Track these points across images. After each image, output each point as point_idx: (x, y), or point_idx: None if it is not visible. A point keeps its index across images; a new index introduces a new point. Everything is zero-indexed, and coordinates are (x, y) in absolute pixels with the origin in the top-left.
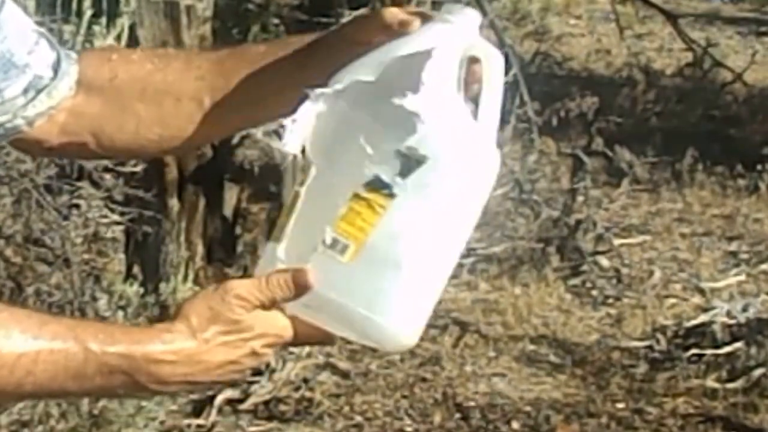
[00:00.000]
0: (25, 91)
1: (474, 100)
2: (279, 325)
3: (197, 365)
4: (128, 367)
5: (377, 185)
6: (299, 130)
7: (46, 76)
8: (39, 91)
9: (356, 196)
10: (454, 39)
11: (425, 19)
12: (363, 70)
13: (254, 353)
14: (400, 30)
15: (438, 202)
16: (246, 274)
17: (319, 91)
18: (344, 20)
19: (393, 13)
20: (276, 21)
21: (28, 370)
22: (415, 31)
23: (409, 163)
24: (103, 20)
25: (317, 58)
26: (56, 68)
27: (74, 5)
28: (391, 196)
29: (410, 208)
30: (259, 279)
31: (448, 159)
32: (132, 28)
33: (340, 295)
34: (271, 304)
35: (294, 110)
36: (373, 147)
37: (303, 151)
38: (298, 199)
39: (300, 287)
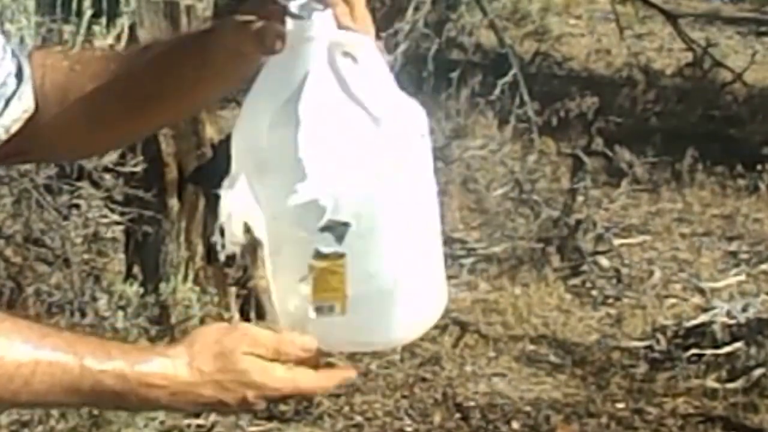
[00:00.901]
0: None
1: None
2: (278, 377)
3: (186, 395)
4: (121, 388)
5: (323, 255)
6: (232, 225)
7: (11, 85)
8: (9, 99)
9: (312, 268)
10: (320, 52)
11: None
12: (252, 144)
13: (245, 400)
14: (269, 51)
15: (389, 230)
16: (245, 274)
17: (226, 183)
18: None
19: (264, 33)
20: None
21: (26, 380)
22: (278, 52)
23: (338, 230)
24: (103, 20)
25: (209, 62)
26: (19, 75)
27: (74, 5)
28: (341, 256)
29: (366, 250)
30: (276, 334)
31: (371, 206)
32: (132, 28)
33: (349, 338)
34: (276, 358)
35: (196, 109)
36: (299, 227)
37: (247, 230)
38: (268, 279)
39: (308, 351)
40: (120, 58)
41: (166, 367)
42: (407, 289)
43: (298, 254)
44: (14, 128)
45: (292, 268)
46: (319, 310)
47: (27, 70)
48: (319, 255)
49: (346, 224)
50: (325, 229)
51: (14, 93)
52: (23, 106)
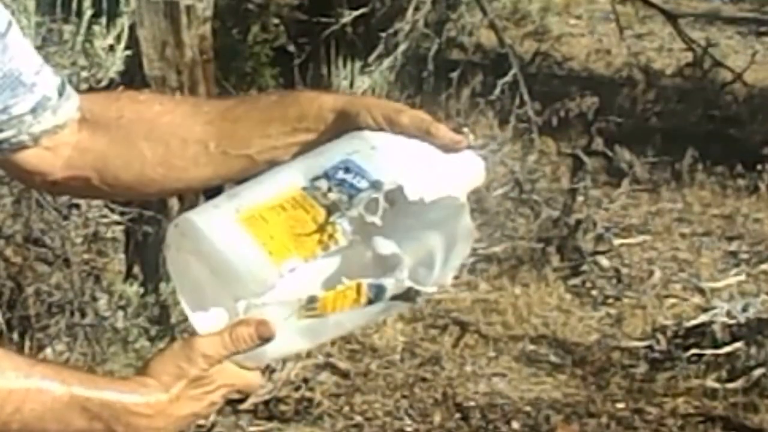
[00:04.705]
0: (33, 111)
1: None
2: (234, 374)
3: (167, 418)
4: (108, 416)
5: (377, 292)
6: None
7: (53, 98)
8: (45, 110)
9: (358, 286)
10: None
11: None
12: (428, 192)
13: (213, 403)
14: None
15: (377, 318)
16: None
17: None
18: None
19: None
20: (276, 21)
21: (16, 408)
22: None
23: (405, 296)
24: (103, 20)
25: (331, 121)
26: (61, 91)
27: (74, 5)
28: (371, 303)
29: (366, 315)
30: (221, 335)
31: (418, 303)
32: (132, 28)
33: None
34: (233, 356)
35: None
36: (399, 268)
37: None
38: None
39: (264, 339)
40: (211, 103)
41: (147, 394)
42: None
43: (358, 266)
44: (43, 139)
45: (340, 271)
46: (309, 302)
47: (71, 90)
48: (371, 288)
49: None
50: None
51: (51, 106)
52: (57, 120)
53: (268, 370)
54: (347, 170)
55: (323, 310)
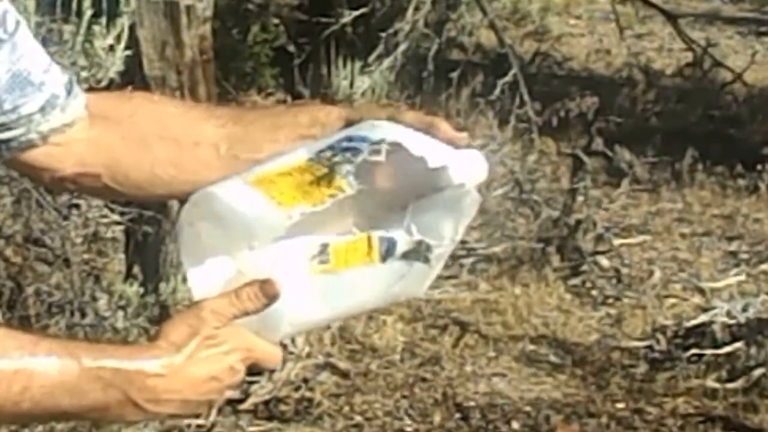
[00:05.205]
0: (42, 109)
1: None
2: (250, 340)
3: (185, 380)
4: (121, 381)
5: (388, 245)
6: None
7: (62, 96)
8: (54, 108)
9: (368, 238)
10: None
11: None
12: (432, 155)
13: (232, 368)
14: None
15: (396, 291)
16: None
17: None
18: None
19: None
20: (276, 21)
21: (24, 386)
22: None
23: (417, 253)
24: (103, 20)
25: (338, 129)
26: (69, 89)
27: (74, 5)
28: (384, 260)
29: (381, 277)
30: (229, 294)
31: (432, 273)
32: (132, 28)
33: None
34: (243, 316)
35: None
36: (409, 220)
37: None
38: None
39: (270, 297)
40: (223, 108)
41: (159, 355)
42: (317, 319)
43: (377, 218)
44: (52, 138)
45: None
46: (320, 252)
47: (78, 88)
48: (383, 240)
49: (427, 258)
50: (420, 243)
51: (59, 104)
52: (65, 119)
53: (284, 349)
54: (350, 140)
55: (336, 264)
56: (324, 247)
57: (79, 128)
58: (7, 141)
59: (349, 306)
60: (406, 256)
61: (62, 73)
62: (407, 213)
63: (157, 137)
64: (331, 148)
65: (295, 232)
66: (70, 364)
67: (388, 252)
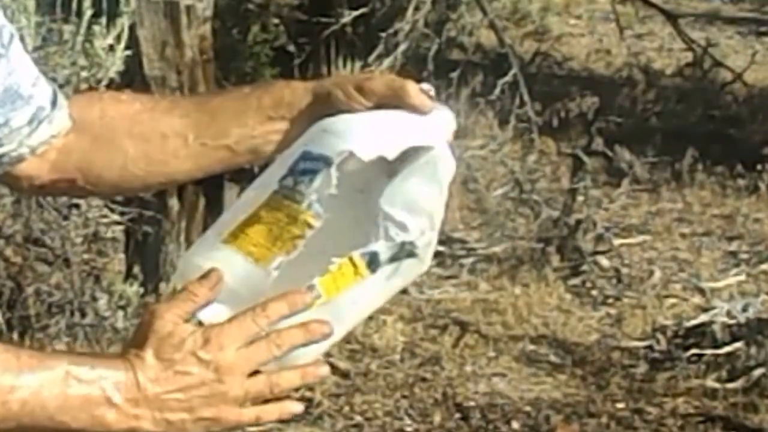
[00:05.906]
0: (30, 122)
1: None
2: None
3: (173, 382)
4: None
5: (371, 259)
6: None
7: (47, 108)
8: (41, 121)
9: (350, 259)
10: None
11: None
12: (387, 149)
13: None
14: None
15: (395, 286)
16: None
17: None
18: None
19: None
20: (276, 21)
21: (24, 401)
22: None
23: (402, 252)
24: (103, 20)
25: (306, 106)
26: (53, 100)
27: (74, 5)
28: (373, 272)
29: (377, 285)
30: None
31: (426, 259)
32: (132, 28)
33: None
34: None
35: (275, 151)
36: (383, 227)
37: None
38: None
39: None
40: (188, 98)
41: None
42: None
43: (351, 239)
44: (40, 150)
45: (329, 248)
46: (310, 289)
47: (61, 98)
48: (366, 256)
49: (412, 255)
50: (401, 244)
51: (46, 116)
52: (52, 130)
53: None
54: (305, 159)
55: (329, 295)
56: (311, 288)
57: (60, 137)
58: (0, 157)
59: (356, 319)
60: (392, 259)
61: (47, 84)
62: (379, 218)
63: (126, 135)
64: (291, 172)
65: (279, 280)
66: (56, 372)
67: (373, 264)
